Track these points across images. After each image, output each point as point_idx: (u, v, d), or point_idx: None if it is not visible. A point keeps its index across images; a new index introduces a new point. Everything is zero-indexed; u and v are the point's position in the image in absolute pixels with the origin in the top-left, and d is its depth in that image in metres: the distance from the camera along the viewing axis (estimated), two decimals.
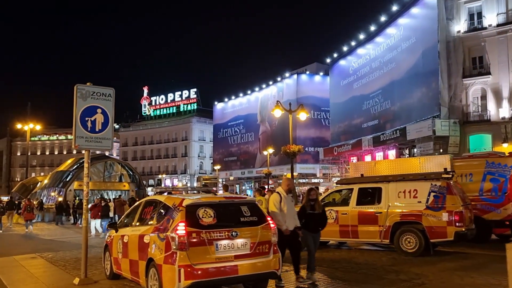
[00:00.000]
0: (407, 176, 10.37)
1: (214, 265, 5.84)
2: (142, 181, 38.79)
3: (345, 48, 49.57)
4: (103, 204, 19.65)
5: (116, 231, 7.97)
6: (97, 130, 7.69)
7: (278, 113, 20.56)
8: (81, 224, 24.60)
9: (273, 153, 50.13)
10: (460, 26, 33.44)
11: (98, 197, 23.74)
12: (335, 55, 52.20)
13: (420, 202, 9.89)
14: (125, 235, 7.47)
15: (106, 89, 7.81)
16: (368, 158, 44.49)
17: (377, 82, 43.10)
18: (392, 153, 39.97)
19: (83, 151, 8.06)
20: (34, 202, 30.33)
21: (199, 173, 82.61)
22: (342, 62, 50.98)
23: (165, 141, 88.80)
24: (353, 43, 47.80)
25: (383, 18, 41.65)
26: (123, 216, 8.48)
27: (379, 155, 42.68)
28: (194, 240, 5.83)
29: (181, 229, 5.84)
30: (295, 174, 59.56)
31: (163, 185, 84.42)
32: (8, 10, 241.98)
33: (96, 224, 18.93)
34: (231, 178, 70.79)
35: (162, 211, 6.66)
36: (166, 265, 5.88)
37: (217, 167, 67.10)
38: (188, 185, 79.64)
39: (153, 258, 6.22)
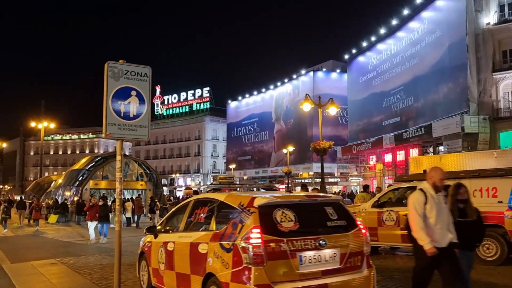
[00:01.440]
0: (483, 172, 9.00)
1: (298, 284, 4.54)
2: (160, 180, 37.63)
3: (364, 44, 48.28)
4: (101, 204, 16.66)
5: (156, 237, 6.68)
6: (131, 116, 6.41)
7: (307, 107, 19.37)
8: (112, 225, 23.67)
9: (293, 152, 48.93)
10: (489, 18, 31.95)
11: (95, 196, 20.54)
12: (354, 51, 50.94)
13: (501, 202, 8.52)
14: (169, 242, 6.14)
15: (142, 67, 6.55)
16: (388, 156, 43.27)
17: (399, 78, 41.78)
18: (415, 152, 38.69)
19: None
20: (50, 202, 29.62)
21: (212, 172, 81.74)
22: (361, 58, 49.69)
23: (178, 140, 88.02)
24: (373, 39, 46.51)
25: (406, 12, 40.29)
26: (163, 219, 7.13)
27: (400, 154, 41.47)
28: (273, 251, 4.50)
29: (256, 237, 4.51)
30: (311, 173, 58.59)
31: (176, 184, 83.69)
32: (20, 9, 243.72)
33: (92, 227, 16.00)
34: (245, 177, 69.79)
35: (222, 213, 5.34)
36: (235, 284, 4.60)
37: (233, 166, 66.08)
38: (202, 184, 78.68)
39: (213, 273, 4.91)
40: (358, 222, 5.26)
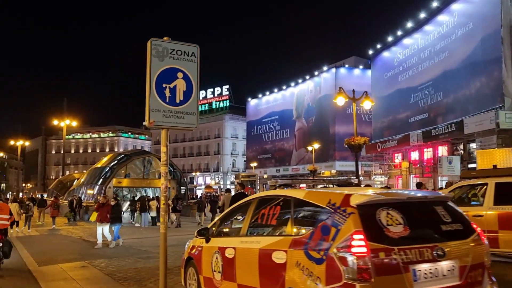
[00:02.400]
0: None
1: None
2: (184, 178, 36.97)
3: (389, 39, 46.93)
4: (113, 203, 14.70)
5: (207, 241, 5.77)
6: (177, 101, 5.59)
7: (341, 101, 18.42)
8: (134, 222, 23.14)
9: (314, 150, 47.86)
10: None
11: (104, 195, 17.80)
12: (378, 46, 49.60)
13: None
14: (227, 248, 5.21)
15: (189, 45, 5.75)
16: (415, 154, 41.97)
17: (427, 73, 40.37)
18: (444, 149, 37.37)
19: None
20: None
21: (232, 171, 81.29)
22: (385, 54, 48.33)
23: (198, 139, 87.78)
24: (399, 33, 45.11)
25: (434, 4, 38.92)
26: (215, 220, 6.17)
27: (428, 151, 40.17)
28: (382, 263, 3.55)
29: (360, 244, 3.55)
30: (333, 171, 57.36)
31: (195, 183, 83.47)
32: (41, 8, 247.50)
33: (104, 230, 13.85)
34: (265, 176, 68.89)
35: (303, 213, 4.40)
36: None
37: (254, 164, 65.33)
38: (221, 183, 78.13)
39: None
40: (475, 226, 4.30)
